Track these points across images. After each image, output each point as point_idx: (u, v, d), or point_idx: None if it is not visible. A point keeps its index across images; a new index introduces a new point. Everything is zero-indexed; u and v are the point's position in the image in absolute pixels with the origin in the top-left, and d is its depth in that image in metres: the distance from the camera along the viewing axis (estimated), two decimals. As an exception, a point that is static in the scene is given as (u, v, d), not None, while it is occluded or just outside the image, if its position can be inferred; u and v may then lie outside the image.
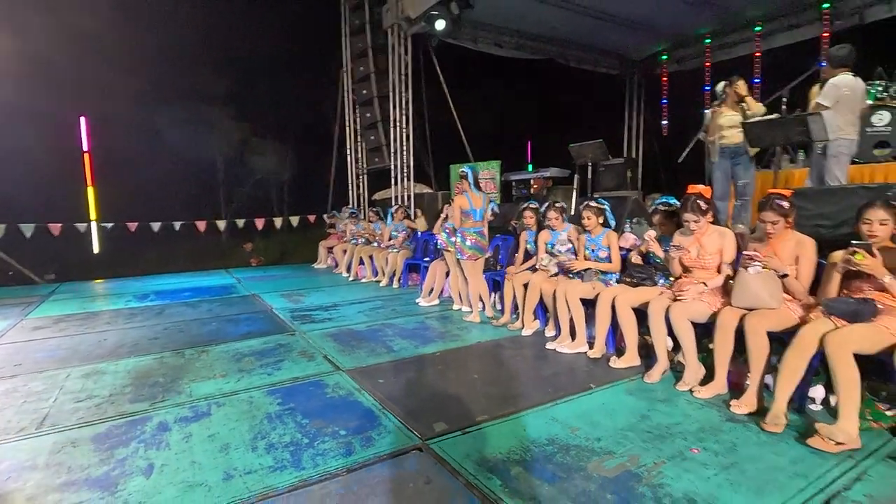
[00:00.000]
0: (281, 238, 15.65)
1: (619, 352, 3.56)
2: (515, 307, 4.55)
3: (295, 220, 11.88)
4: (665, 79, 10.89)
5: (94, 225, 11.95)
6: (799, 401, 2.56)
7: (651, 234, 3.50)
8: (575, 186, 5.98)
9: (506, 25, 9.18)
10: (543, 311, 4.36)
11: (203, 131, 18.46)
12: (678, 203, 3.37)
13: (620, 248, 3.85)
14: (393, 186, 8.79)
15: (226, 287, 7.16)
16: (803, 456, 2.13)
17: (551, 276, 4.11)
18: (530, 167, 11.87)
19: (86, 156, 13.45)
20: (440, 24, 7.20)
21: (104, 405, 2.82)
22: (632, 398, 2.83)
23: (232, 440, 2.36)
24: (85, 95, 15.37)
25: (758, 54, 8.88)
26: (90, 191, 12.99)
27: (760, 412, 2.53)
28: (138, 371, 3.41)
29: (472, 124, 9.50)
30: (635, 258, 3.69)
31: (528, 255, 4.65)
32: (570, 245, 4.02)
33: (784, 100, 5.39)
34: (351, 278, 7.57)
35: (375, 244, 7.61)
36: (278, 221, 11.75)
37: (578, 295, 3.68)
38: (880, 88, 5.29)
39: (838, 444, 2.13)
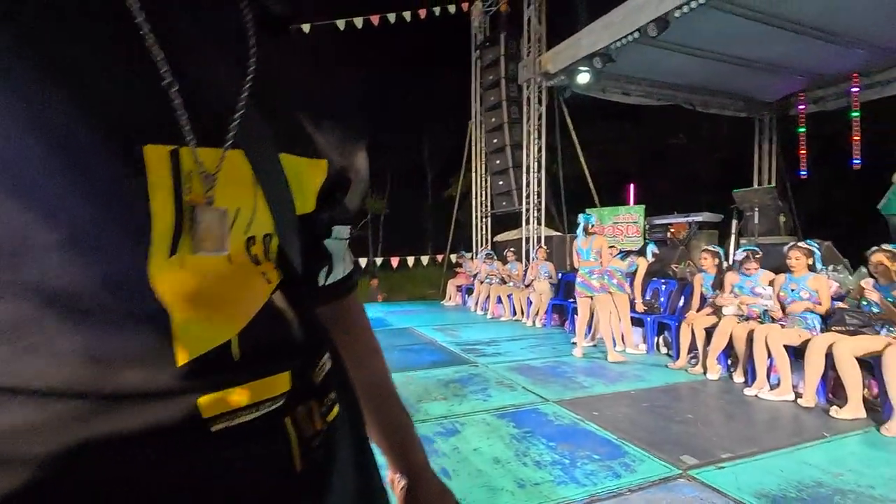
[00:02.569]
0: (389, 276, 16.55)
1: (829, 402, 3.47)
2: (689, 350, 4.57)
3: (410, 260, 12.35)
4: (802, 120, 10.44)
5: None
6: None
7: (869, 282, 3.44)
8: (733, 231, 5.91)
9: (635, 75, 9.43)
10: (725, 355, 4.34)
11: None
12: (905, 251, 3.31)
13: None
14: (523, 227, 9.14)
15: (377, 319, 7.78)
16: None
17: (741, 319, 4.12)
18: (622, 210, 11.59)
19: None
20: (583, 78, 7.62)
21: (360, 416, 3.27)
22: (879, 450, 2.75)
23: (498, 454, 2.66)
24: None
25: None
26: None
27: None
28: (364, 389, 3.88)
29: (596, 168, 9.71)
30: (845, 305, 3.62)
31: (703, 299, 4.68)
32: (765, 288, 4.02)
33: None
34: (489, 316, 7.89)
35: (512, 284, 7.92)
36: (394, 260, 12.33)
37: (783, 341, 3.66)
38: None
39: None
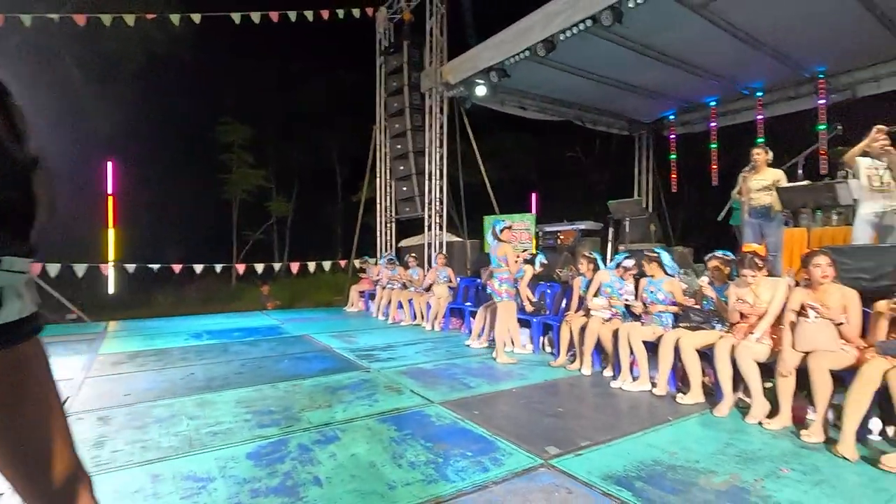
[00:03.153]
0: (294, 282, 15.89)
1: (679, 390, 3.94)
2: (568, 348, 4.93)
3: (311, 266, 11.84)
4: (673, 140, 11.75)
5: (111, 266, 12.02)
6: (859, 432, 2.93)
7: (705, 280, 3.97)
8: (610, 239, 6.49)
9: (530, 91, 10.01)
10: (597, 352, 4.74)
11: (220, 177, 19.16)
12: (733, 256, 3.86)
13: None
14: (426, 234, 9.28)
15: (272, 328, 7.45)
16: (879, 476, 2.49)
17: (606, 320, 4.53)
18: (526, 217, 12.25)
19: (110, 198, 13.83)
20: (481, 91, 7.95)
21: (236, 430, 3.12)
22: (709, 429, 3.18)
23: (374, 458, 2.68)
24: (113, 141, 15.88)
25: (760, 122, 9.72)
26: (110, 232, 13.27)
27: (828, 441, 2.89)
28: (245, 401, 3.70)
29: (498, 177, 10.15)
30: (687, 300, 4.15)
31: (581, 301, 5.07)
32: (631, 289, 4.47)
33: (801, 165, 6.01)
34: (389, 321, 7.89)
35: (412, 289, 7.99)
36: (294, 266, 11.81)
37: (641, 338, 4.08)
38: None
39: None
